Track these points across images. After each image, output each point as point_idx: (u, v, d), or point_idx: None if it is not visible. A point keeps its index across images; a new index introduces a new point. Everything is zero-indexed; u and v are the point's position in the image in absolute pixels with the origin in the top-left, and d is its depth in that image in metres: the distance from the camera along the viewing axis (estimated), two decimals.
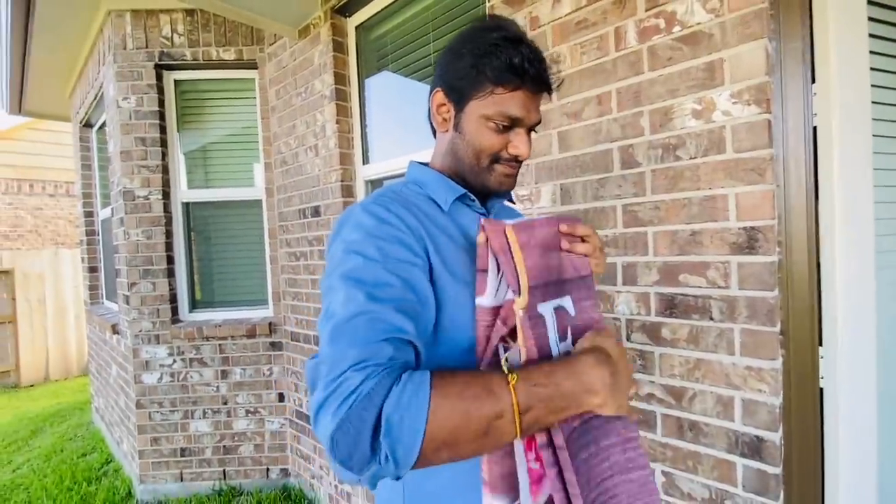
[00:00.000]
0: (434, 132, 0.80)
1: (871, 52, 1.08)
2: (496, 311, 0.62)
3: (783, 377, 0.99)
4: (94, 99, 3.28)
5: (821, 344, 1.04)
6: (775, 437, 0.97)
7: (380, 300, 0.56)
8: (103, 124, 3.74)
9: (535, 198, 1.37)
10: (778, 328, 0.98)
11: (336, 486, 2.34)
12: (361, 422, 0.48)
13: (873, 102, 1.10)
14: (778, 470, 0.98)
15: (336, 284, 0.59)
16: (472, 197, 0.76)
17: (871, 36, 1.09)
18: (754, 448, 0.99)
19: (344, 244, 0.63)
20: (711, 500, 1.06)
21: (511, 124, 0.70)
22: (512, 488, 0.58)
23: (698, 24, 1.03)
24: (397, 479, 0.51)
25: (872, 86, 1.09)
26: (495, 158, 0.72)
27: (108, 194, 3.84)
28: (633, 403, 1.19)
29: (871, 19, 1.09)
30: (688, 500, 1.10)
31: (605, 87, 1.20)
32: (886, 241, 1.17)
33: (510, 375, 0.53)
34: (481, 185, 0.75)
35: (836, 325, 1.03)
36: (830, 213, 1.03)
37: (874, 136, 1.10)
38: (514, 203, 0.91)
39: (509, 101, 0.68)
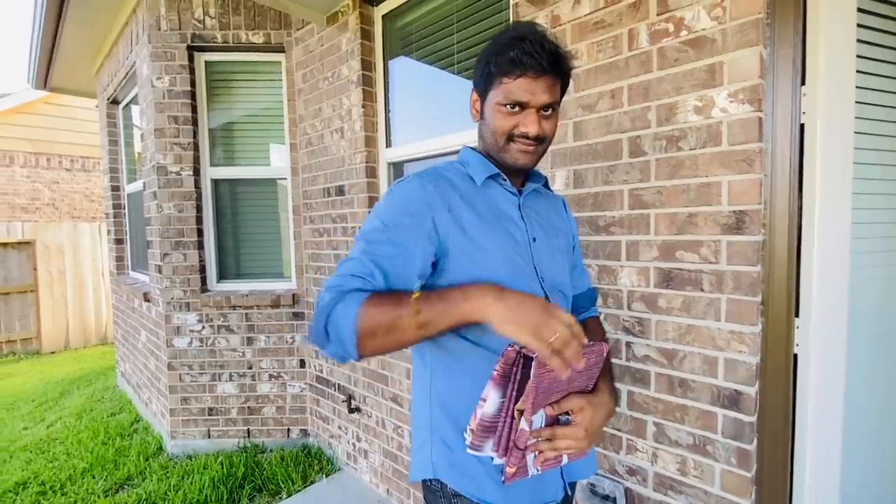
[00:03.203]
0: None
1: (858, 57, 1.21)
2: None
3: (761, 341, 1.15)
4: (125, 77, 3.42)
5: (797, 315, 1.20)
6: (751, 390, 1.14)
7: (370, 255, 0.80)
8: (130, 101, 3.88)
9: (550, 181, 1.51)
10: (759, 298, 1.13)
11: (353, 444, 2.55)
12: (319, 321, 0.76)
13: (857, 102, 1.23)
14: (753, 419, 1.14)
15: (359, 238, 0.84)
16: (504, 177, 0.91)
17: (859, 41, 1.22)
18: (733, 400, 1.16)
19: (380, 205, 0.87)
20: (695, 445, 1.23)
21: (520, 107, 0.84)
22: (505, 386, 0.76)
23: (703, 29, 1.16)
24: (358, 359, 0.77)
25: (857, 87, 1.22)
26: (510, 137, 0.86)
27: (133, 169, 4.00)
28: (633, 364, 1.35)
29: (860, 26, 1.21)
30: (675, 446, 1.27)
31: (618, 83, 1.33)
32: (862, 228, 1.32)
33: (415, 294, 0.75)
34: (503, 162, 0.91)
35: (811, 299, 1.18)
36: (811, 201, 1.17)
37: (856, 133, 1.23)
38: (550, 189, 1.05)
39: (513, 87, 0.83)
